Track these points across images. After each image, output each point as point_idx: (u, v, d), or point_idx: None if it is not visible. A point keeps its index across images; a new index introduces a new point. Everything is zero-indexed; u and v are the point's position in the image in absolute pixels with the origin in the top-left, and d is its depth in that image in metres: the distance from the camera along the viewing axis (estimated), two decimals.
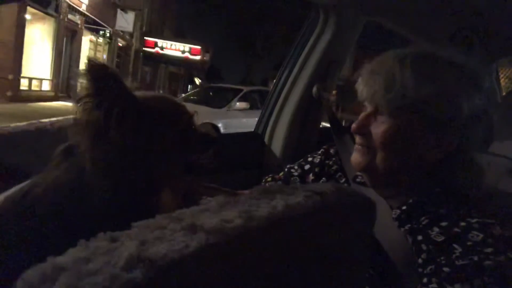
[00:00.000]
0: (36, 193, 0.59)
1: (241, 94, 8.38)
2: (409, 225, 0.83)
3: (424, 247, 0.79)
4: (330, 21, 1.58)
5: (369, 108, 0.88)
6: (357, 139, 0.91)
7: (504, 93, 2.11)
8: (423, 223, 0.82)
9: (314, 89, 1.66)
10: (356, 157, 0.91)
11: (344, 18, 1.55)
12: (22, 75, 11.05)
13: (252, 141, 1.72)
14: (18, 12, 10.54)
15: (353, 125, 0.90)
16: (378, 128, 0.86)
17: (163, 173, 0.64)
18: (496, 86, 2.00)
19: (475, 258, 0.70)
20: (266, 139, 1.70)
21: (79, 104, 0.60)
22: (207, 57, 17.81)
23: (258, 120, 1.79)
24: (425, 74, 0.81)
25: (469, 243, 0.73)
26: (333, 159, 1.13)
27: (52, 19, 12.40)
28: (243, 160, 1.61)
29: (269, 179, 1.21)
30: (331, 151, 1.16)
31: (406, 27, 1.69)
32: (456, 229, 0.77)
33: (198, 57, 17.24)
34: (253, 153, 1.68)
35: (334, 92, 1.75)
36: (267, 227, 0.41)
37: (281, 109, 1.68)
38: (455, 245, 0.74)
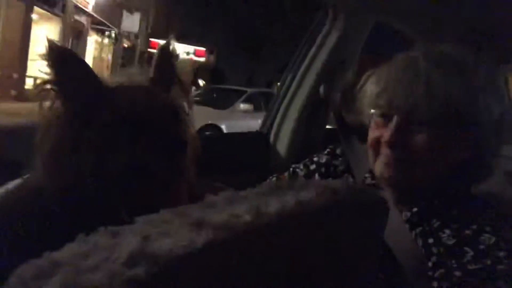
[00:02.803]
0: (19, 196, 0.57)
1: (245, 95, 8.37)
2: (420, 228, 0.81)
3: (434, 250, 0.76)
4: (338, 20, 1.56)
5: (396, 118, 0.80)
6: (388, 152, 0.81)
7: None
8: (435, 225, 0.79)
9: (321, 90, 1.64)
10: (387, 171, 0.82)
11: (352, 17, 1.53)
12: (27, 74, 11.10)
13: (257, 141, 1.69)
14: (25, 12, 10.60)
15: (386, 138, 0.80)
16: (419, 140, 0.79)
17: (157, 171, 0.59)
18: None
19: (488, 262, 0.68)
20: (271, 139, 1.68)
21: (39, 91, 0.56)
22: (211, 59, 17.85)
23: (263, 119, 1.77)
24: (462, 77, 0.78)
25: (481, 246, 0.71)
26: (340, 159, 1.11)
27: (59, 19, 12.46)
28: (247, 160, 1.59)
29: (274, 179, 1.18)
30: (338, 151, 1.13)
31: (414, 28, 1.66)
32: (467, 232, 0.74)
33: (202, 59, 17.28)
34: (257, 153, 1.65)
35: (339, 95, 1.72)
36: (277, 224, 0.39)
37: (287, 109, 1.66)
38: (466, 248, 0.72)
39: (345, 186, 0.48)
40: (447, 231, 0.76)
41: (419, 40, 1.71)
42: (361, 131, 1.13)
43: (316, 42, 1.61)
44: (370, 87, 0.87)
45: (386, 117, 0.83)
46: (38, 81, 0.61)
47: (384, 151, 0.83)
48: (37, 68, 0.61)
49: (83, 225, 0.35)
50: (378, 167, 0.85)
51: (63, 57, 0.58)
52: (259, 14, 17.48)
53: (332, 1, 1.53)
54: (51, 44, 0.57)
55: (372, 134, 0.87)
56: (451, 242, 0.75)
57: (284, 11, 16.74)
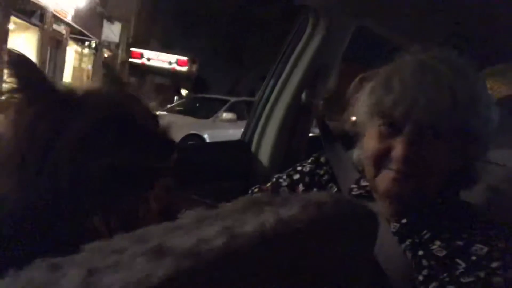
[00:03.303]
0: None
1: (227, 104, 8.32)
2: (410, 240, 0.76)
3: (425, 262, 0.72)
4: (320, 24, 1.53)
5: (410, 130, 0.72)
6: (400, 167, 0.73)
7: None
8: (425, 237, 0.75)
9: (303, 96, 1.60)
10: (396, 187, 0.75)
11: (334, 21, 1.51)
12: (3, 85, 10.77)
13: (238, 149, 1.64)
14: (1, 22, 10.33)
15: (400, 152, 0.72)
16: (431, 153, 0.72)
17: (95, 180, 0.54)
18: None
19: (482, 274, 0.64)
20: (253, 147, 1.63)
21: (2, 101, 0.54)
22: (194, 68, 17.76)
23: (245, 128, 1.71)
24: (474, 86, 0.73)
25: (473, 257, 0.67)
26: (324, 168, 1.06)
27: (37, 29, 12.20)
28: (228, 169, 1.53)
29: (256, 190, 1.13)
30: (322, 159, 1.08)
31: (397, 31, 1.65)
32: (458, 242, 0.70)
33: (185, 68, 17.17)
34: (239, 163, 1.60)
35: (321, 103, 1.69)
36: (255, 246, 0.33)
37: (269, 116, 1.61)
38: (458, 260, 0.68)
39: (331, 199, 0.42)
40: (438, 242, 0.73)
41: (402, 44, 1.71)
42: (346, 139, 1.09)
43: (297, 47, 1.58)
44: (372, 94, 0.79)
45: (395, 127, 0.74)
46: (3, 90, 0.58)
47: (395, 166, 0.74)
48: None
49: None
50: (383, 183, 0.76)
51: (22, 65, 0.56)
52: (241, 22, 17.56)
53: (313, 5, 1.49)
54: (10, 52, 0.56)
55: (375, 145, 0.78)
56: (442, 254, 0.71)
57: (265, 19, 16.87)
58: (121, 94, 0.64)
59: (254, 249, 0.33)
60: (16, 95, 0.55)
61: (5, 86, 0.56)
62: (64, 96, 0.58)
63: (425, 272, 0.71)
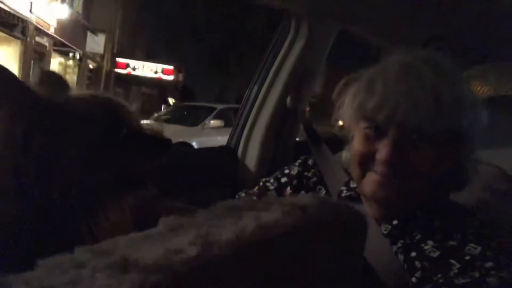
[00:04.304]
0: None
1: (215, 112, 8.32)
2: (401, 241, 0.74)
3: (418, 264, 0.70)
4: (302, 29, 1.52)
5: (394, 133, 0.71)
6: (384, 170, 0.72)
7: None
8: (417, 237, 0.73)
9: (288, 100, 1.58)
10: (381, 191, 0.74)
11: (317, 25, 1.50)
12: None
13: (224, 155, 1.61)
14: None
15: (384, 156, 0.71)
16: (417, 156, 0.71)
17: (94, 192, 0.52)
18: None
19: (476, 274, 0.63)
20: (239, 153, 1.60)
21: None
22: (180, 77, 17.71)
23: (231, 133, 1.69)
24: (461, 88, 0.72)
25: (467, 257, 0.65)
26: (312, 170, 1.04)
27: (19, 42, 12.01)
28: (215, 175, 1.50)
29: (243, 194, 1.10)
30: (309, 162, 1.06)
31: (378, 35, 1.65)
32: (451, 242, 0.69)
33: (171, 77, 17.10)
34: (225, 168, 1.57)
35: (307, 109, 1.67)
36: (232, 256, 0.30)
37: (255, 121, 1.59)
38: (452, 261, 0.66)
39: (316, 202, 0.40)
40: (430, 243, 0.71)
41: (383, 47, 1.71)
42: (333, 141, 1.07)
43: (280, 52, 1.57)
44: (356, 97, 0.77)
45: (379, 130, 0.73)
46: None
47: (379, 169, 0.73)
48: None
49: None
50: (368, 186, 0.75)
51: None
52: (226, 31, 17.63)
53: (295, 10, 1.49)
54: None
55: (360, 148, 0.76)
56: (435, 254, 0.69)
57: (250, 27, 16.96)
58: (107, 100, 0.61)
59: (230, 259, 0.30)
60: None
61: None
62: (51, 104, 0.55)
63: (418, 274, 0.69)
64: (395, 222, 0.76)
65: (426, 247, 0.71)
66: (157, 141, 0.60)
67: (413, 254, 0.71)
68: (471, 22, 1.45)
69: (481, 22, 1.43)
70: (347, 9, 1.44)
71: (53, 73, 0.61)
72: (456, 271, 0.64)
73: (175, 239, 0.30)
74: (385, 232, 0.76)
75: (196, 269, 0.27)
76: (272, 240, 0.34)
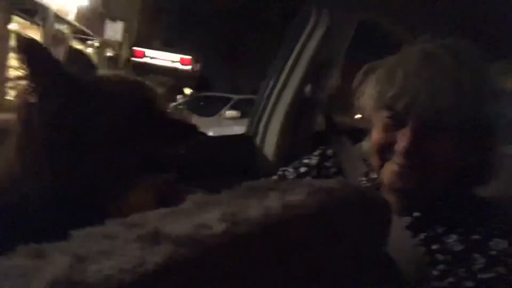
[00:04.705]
0: None
1: (231, 102, 8.31)
2: (424, 234, 0.73)
3: (440, 257, 0.69)
4: (322, 18, 1.50)
5: (414, 124, 0.69)
6: (402, 161, 0.71)
7: None
8: (439, 230, 0.72)
9: (307, 89, 1.57)
10: (399, 181, 0.72)
11: (337, 14, 1.48)
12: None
13: (242, 144, 1.61)
14: (2, 22, 10.35)
15: (403, 147, 0.69)
16: (438, 147, 0.69)
17: (118, 170, 0.53)
18: None
19: (501, 270, 0.61)
20: (257, 141, 1.60)
21: (10, 87, 0.50)
22: (196, 67, 17.75)
23: (248, 122, 1.69)
24: (485, 77, 0.70)
25: (492, 252, 0.64)
26: (331, 161, 1.03)
27: (39, 29, 12.22)
28: (232, 163, 1.50)
29: None
30: (329, 152, 1.06)
31: (400, 25, 1.61)
32: (475, 236, 0.67)
33: (188, 67, 17.16)
34: (243, 157, 1.57)
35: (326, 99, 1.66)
36: (259, 233, 0.31)
37: (273, 111, 1.58)
38: (476, 255, 0.65)
39: (341, 186, 0.40)
40: (454, 236, 0.70)
41: (407, 37, 1.67)
42: (353, 132, 1.06)
43: (299, 41, 1.55)
44: (376, 86, 0.76)
45: (399, 120, 0.72)
46: (11, 77, 0.55)
47: (398, 159, 0.72)
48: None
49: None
50: (387, 176, 0.74)
51: (32, 48, 0.53)
52: (243, 20, 17.52)
53: None
54: (19, 36, 0.53)
55: (379, 137, 0.75)
56: (458, 248, 0.68)
57: (267, 16, 16.81)
58: (136, 81, 0.62)
59: (257, 236, 0.30)
60: (29, 82, 0.52)
61: (15, 73, 0.53)
62: (82, 82, 0.55)
63: (440, 267, 0.68)
64: (416, 214, 0.75)
65: (449, 240, 0.69)
66: (184, 126, 0.60)
67: (435, 247, 0.70)
68: (500, 12, 1.40)
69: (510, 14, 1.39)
70: None
71: (80, 52, 0.62)
72: (481, 265, 0.63)
73: (203, 215, 0.30)
74: (406, 224, 0.76)
75: (224, 244, 0.28)
76: (297, 220, 0.34)
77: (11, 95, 0.54)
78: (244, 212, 0.32)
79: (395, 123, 0.72)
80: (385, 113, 0.74)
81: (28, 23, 11.64)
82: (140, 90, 0.58)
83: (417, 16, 1.51)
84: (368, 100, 0.79)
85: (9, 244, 0.27)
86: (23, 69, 0.52)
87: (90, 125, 0.52)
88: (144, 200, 0.57)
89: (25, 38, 0.52)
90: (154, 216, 0.29)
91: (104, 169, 0.52)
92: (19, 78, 0.53)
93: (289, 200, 0.34)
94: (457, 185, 0.76)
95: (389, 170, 0.74)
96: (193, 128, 0.61)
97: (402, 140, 0.70)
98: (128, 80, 0.60)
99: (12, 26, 10.77)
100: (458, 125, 0.68)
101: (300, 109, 1.59)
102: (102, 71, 0.60)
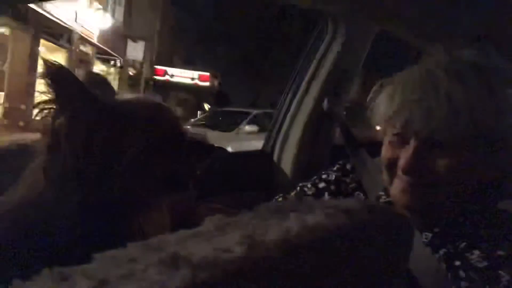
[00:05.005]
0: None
1: (250, 117, 8.36)
2: (444, 250, 0.71)
3: (462, 274, 0.67)
4: (339, 30, 1.50)
5: (413, 143, 0.70)
6: (404, 178, 0.72)
7: None
8: (461, 246, 0.70)
9: (325, 103, 1.57)
10: (404, 197, 0.73)
11: (354, 26, 1.48)
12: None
13: (261, 159, 1.61)
14: (31, 45, 10.81)
15: (402, 164, 0.71)
16: (440, 164, 0.69)
17: (144, 190, 0.54)
18: None
19: None
20: (275, 157, 1.60)
21: (37, 112, 0.52)
22: (216, 83, 18.00)
23: (266, 137, 1.69)
24: (487, 90, 0.68)
25: None
26: (351, 176, 1.02)
27: (64, 51, 12.70)
28: (251, 179, 1.50)
29: (280, 199, 1.09)
30: (348, 167, 1.04)
31: (419, 35, 1.60)
32: (500, 252, 0.65)
33: (207, 83, 17.42)
34: (261, 172, 1.57)
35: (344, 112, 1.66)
36: (278, 256, 0.31)
37: (291, 125, 1.58)
38: (501, 272, 0.63)
39: (360, 206, 0.39)
40: (476, 252, 0.68)
41: (425, 47, 1.65)
42: (372, 145, 1.05)
43: (317, 54, 1.55)
44: (382, 104, 0.77)
45: (401, 138, 0.73)
46: (39, 101, 0.58)
47: (400, 176, 0.73)
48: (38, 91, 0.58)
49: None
50: (393, 192, 0.76)
51: (59, 74, 0.55)
52: (261, 36, 17.72)
53: (333, 11, 1.47)
54: (46, 62, 0.54)
55: (386, 153, 0.77)
56: (482, 264, 0.66)
57: (286, 32, 16.95)
58: (156, 104, 0.64)
59: (276, 259, 0.30)
60: (56, 106, 0.54)
61: (43, 98, 0.55)
62: (106, 106, 0.57)
63: (463, 284, 0.66)
64: (436, 229, 0.73)
65: (472, 257, 0.68)
66: (202, 146, 0.62)
67: (458, 263, 0.68)
68: None
69: None
70: (386, 9, 1.40)
71: (97, 74, 0.64)
72: (506, 283, 0.61)
73: (222, 238, 0.31)
74: (426, 240, 0.74)
75: (244, 268, 0.28)
76: (316, 242, 0.34)
77: (38, 117, 0.56)
78: (263, 235, 0.32)
79: (400, 140, 0.74)
80: (391, 130, 0.76)
81: (54, 45, 12.14)
82: (161, 113, 0.60)
83: (434, 26, 1.49)
84: (377, 116, 0.80)
85: (33, 264, 0.28)
86: (50, 93, 0.54)
87: (115, 147, 0.53)
88: (166, 219, 0.58)
89: (52, 63, 0.54)
90: (174, 239, 0.30)
91: (129, 189, 0.53)
92: (46, 102, 0.55)
93: (309, 222, 0.34)
94: (479, 200, 0.74)
95: (396, 186, 0.75)
96: (210, 148, 0.62)
97: (404, 157, 0.72)
98: (150, 103, 0.62)
99: (40, 49, 11.24)
100: (459, 142, 0.68)
101: (318, 122, 1.59)
102: (122, 94, 0.62)
